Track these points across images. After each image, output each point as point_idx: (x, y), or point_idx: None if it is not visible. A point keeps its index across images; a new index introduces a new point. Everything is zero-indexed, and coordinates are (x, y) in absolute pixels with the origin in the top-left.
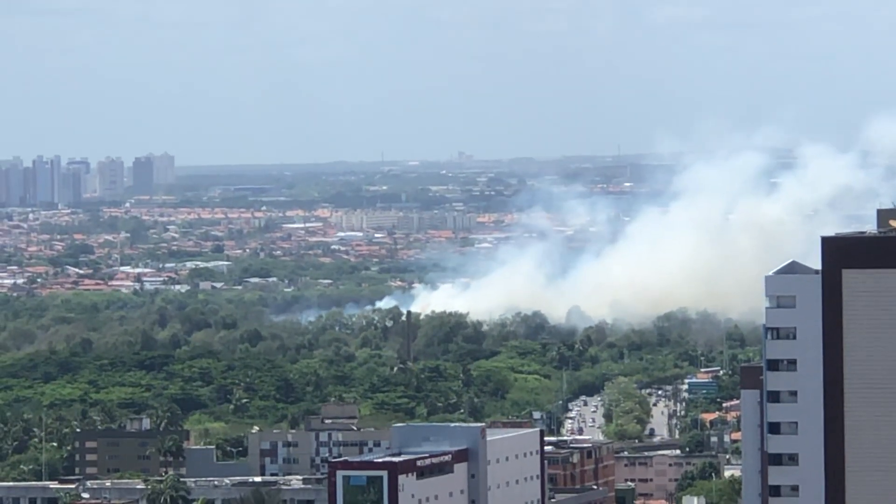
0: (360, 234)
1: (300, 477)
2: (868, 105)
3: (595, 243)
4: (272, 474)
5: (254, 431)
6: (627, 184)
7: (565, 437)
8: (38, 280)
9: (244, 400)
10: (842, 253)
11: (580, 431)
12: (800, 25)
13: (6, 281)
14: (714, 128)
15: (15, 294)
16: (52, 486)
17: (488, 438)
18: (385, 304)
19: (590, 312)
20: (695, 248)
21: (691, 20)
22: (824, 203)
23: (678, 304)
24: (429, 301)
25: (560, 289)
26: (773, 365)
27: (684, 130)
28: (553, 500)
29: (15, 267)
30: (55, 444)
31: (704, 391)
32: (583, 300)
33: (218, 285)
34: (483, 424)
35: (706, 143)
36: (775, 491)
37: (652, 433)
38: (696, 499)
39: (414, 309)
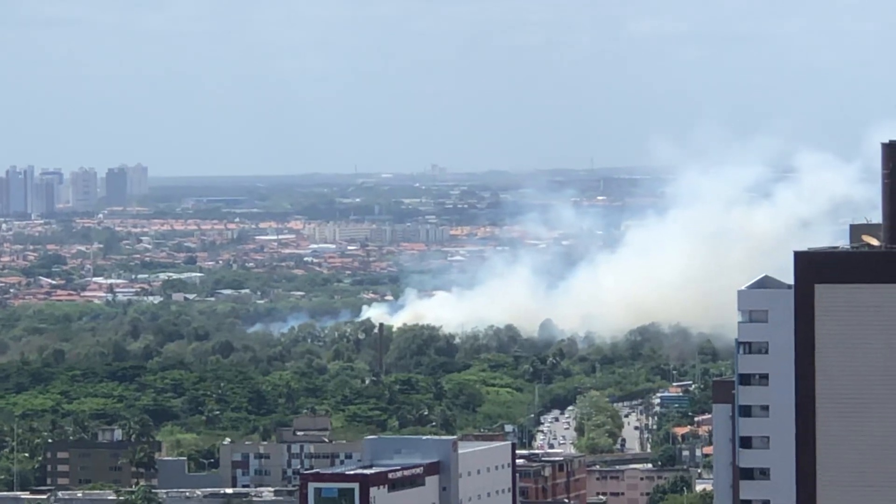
0: (333, 246)
1: (272, 489)
2: (867, 116)
3: (579, 255)
4: (244, 486)
5: (225, 443)
6: (601, 197)
7: (537, 451)
8: (11, 290)
9: (216, 411)
10: (814, 268)
11: (551, 445)
12: (780, 39)
13: None
14: (708, 138)
15: None
16: (23, 496)
17: (460, 451)
18: (372, 312)
19: (575, 325)
20: (683, 261)
21: (670, 34)
22: (822, 215)
23: (659, 317)
24: (417, 311)
25: (553, 300)
26: (745, 379)
27: (678, 140)
28: None
29: None
30: (27, 454)
31: (676, 405)
32: (571, 311)
33: (190, 297)
34: (455, 437)
35: (700, 154)
36: None
37: (623, 444)
38: None
39: (402, 319)
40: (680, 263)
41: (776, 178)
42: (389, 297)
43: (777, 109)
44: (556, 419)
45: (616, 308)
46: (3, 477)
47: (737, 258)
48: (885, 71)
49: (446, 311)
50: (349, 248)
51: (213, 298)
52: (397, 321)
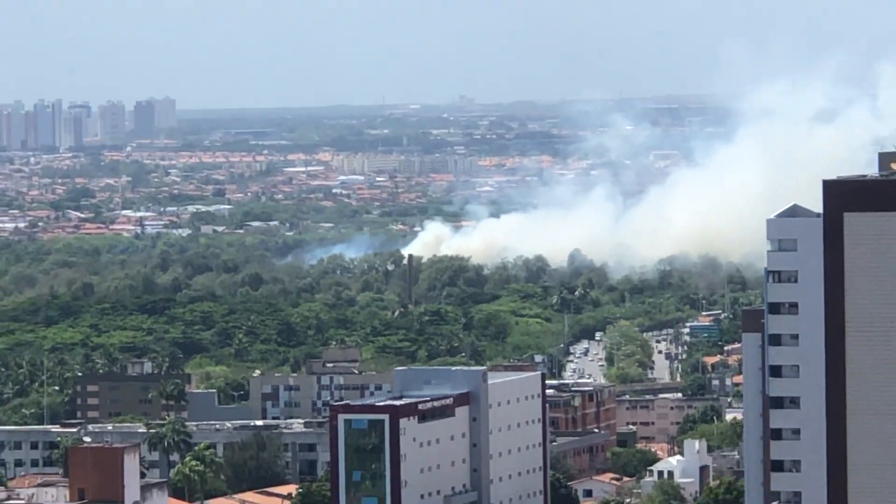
0: (362, 177)
1: (301, 420)
2: None
3: (613, 184)
4: (273, 418)
5: (255, 375)
6: (628, 126)
7: (567, 381)
8: (40, 224)
9: (245, 344)
10: (843, 196)
11: (581, 375)
12: None
13: (8, 225)
14: (780, 55)
15: (16, 238)
16: (53, 430)
17: (490, 382)
18: (429, 232)
19: (605, 254)
20: (739, 188)
21: None
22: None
23: (693, 247)
24: (488, 235)
25: (618, 230)
26: (775, 308)
27: (749, 56)
28: (555, 444)
29: (16, 211)
30: (57, 388)
31: (706, 334)
32: (639, 242)
33: (219, 229)
34: (484, 368)
35: (774, 71)
36: (777, 434)
37: (652, 370)
38: (697, 442)
39: (470, 242)
40: (736, 190)
41: (850, 97)
42: (418, 229)
43: (849, 26)
44: (586, 350)
45: (652, 237)
46: (33, 411)
47: (804, 182)
48: None
49: (514, 235)
50: (378, 179)
51: (241, 231)
52: (464, 245)
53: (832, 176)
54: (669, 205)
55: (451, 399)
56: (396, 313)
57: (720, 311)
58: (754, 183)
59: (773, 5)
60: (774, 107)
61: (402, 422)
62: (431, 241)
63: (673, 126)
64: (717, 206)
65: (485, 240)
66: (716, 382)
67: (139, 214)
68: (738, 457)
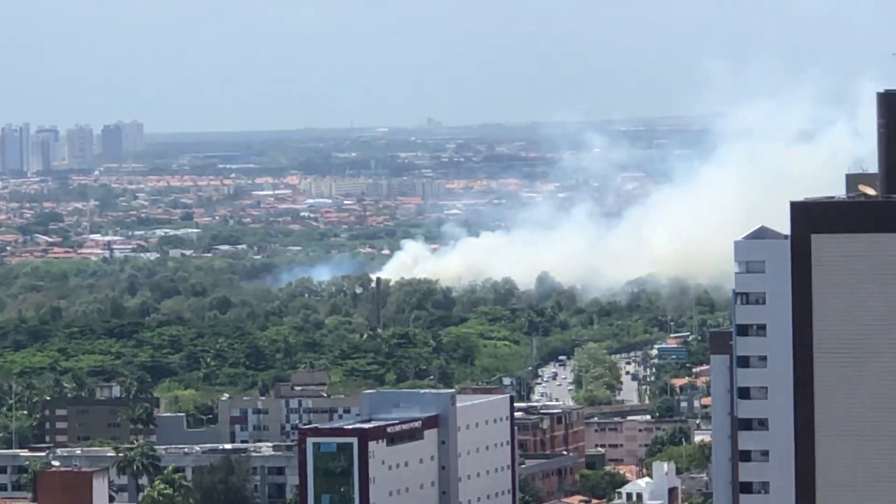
0: (330, 200)
1: (270, 444)
2: None
3: (585, 207)
4: (242, 441)
5: (224, 398)
6: (597, 149)
7: (535, 403)
8: (8, 248)
9: (214, 367)
10: (811, 218)
11: (549, 398)
12: None
13: None
14: (762, 73)
15: None
16: (22, 453)
17: (458, 404)
18: (407, 252)
19: (572, 277)
20: (712, 210)
21: None
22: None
23: (660, 270)
24: (467, 255)
25: (599, 252)
26: (743, 330)
27: (728, 76)
28: (523, 466)
29: None
30: (25, 412)
31: (674, 356)
32: (613, 264)
33: (187, 253)
34: (453, 390)
35: (754, 89)
36: (745, 456)
37: (619, 391)
38: (666, 464)
39: (448, 263)
40: (713, 212)
41: (830, 116)
42: (386, 251)
43: (829, 46)
44: (555, 374)
45: (626, 259)
46: (1, 434)
47: (783, 203)
48: None
49: (492, 255)
50: (346, 202)
51: (210, 254)
52: (442, 265)
53: (811, 196)
54: (646, 227)
55: (420, 422)
56: (365, 336)
57: (688, 333)
58: (732, 204)
59: (751, 25)
60: (753, 127)
61: (371, 445)
62: (409, 261)
63: (647, 148)
64: (693, 227)
65: (464, 260)
66: (684, 404)
67: (107, 238)
68: (706, 479)
